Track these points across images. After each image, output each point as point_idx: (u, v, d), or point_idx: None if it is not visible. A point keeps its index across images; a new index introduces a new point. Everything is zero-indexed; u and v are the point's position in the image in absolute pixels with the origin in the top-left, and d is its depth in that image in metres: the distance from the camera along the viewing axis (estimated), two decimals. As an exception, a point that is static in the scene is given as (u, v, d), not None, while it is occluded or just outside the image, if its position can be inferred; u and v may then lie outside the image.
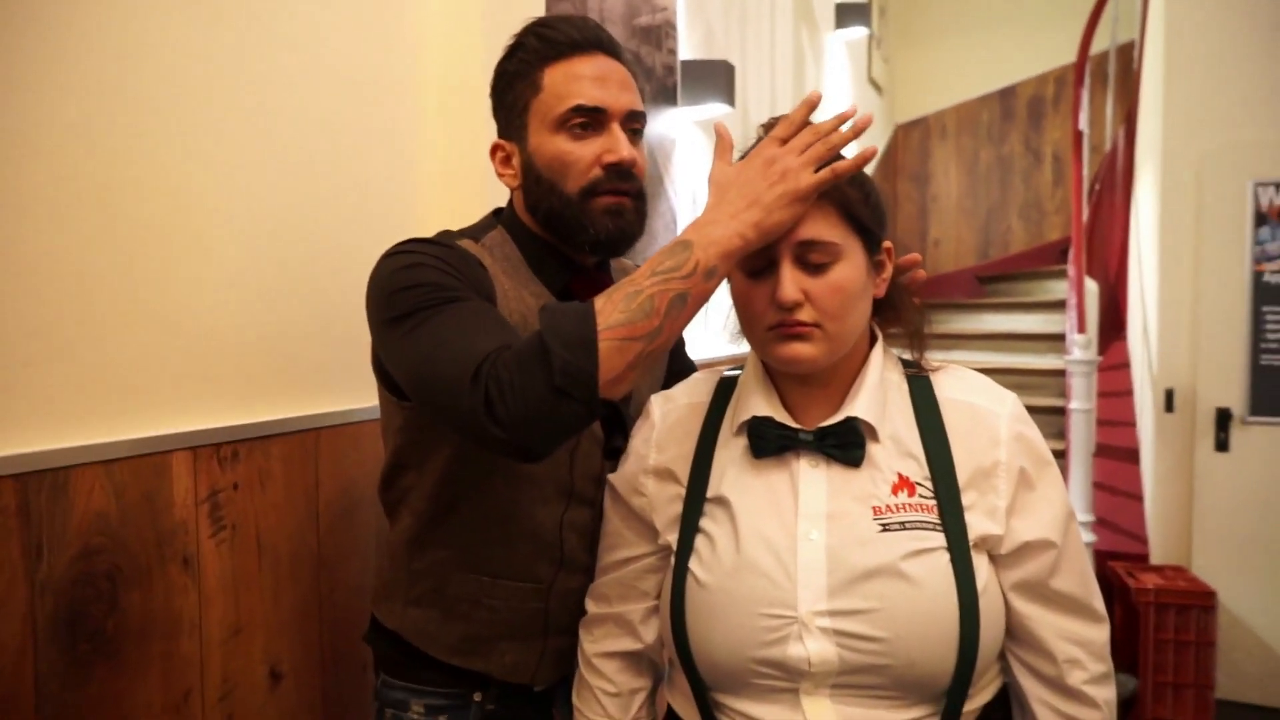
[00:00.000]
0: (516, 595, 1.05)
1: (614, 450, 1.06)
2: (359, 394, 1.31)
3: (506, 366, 0.80)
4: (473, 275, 0.97)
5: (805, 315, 0.85)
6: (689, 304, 0.84)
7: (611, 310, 0.82)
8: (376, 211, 1.41)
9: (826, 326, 0.85)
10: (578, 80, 0.99)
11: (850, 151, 0.87)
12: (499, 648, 1.05)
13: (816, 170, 0.83)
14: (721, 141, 0.91)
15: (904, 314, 0.96)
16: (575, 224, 1.00)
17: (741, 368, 0.99)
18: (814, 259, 0.85)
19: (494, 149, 1.07)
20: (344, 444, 1.31)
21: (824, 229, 0.85)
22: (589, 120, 0.99)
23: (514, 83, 1.03)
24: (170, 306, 1.06)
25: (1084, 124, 3.78)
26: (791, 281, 0.84)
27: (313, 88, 1.28)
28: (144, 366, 1.03)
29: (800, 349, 0.85)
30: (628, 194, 1.01)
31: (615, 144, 0.99)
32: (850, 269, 0.86)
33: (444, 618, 1.05)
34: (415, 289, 0.90)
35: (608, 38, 1.04)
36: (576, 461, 1.05)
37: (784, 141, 0.85)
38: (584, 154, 0.99)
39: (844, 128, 0.86)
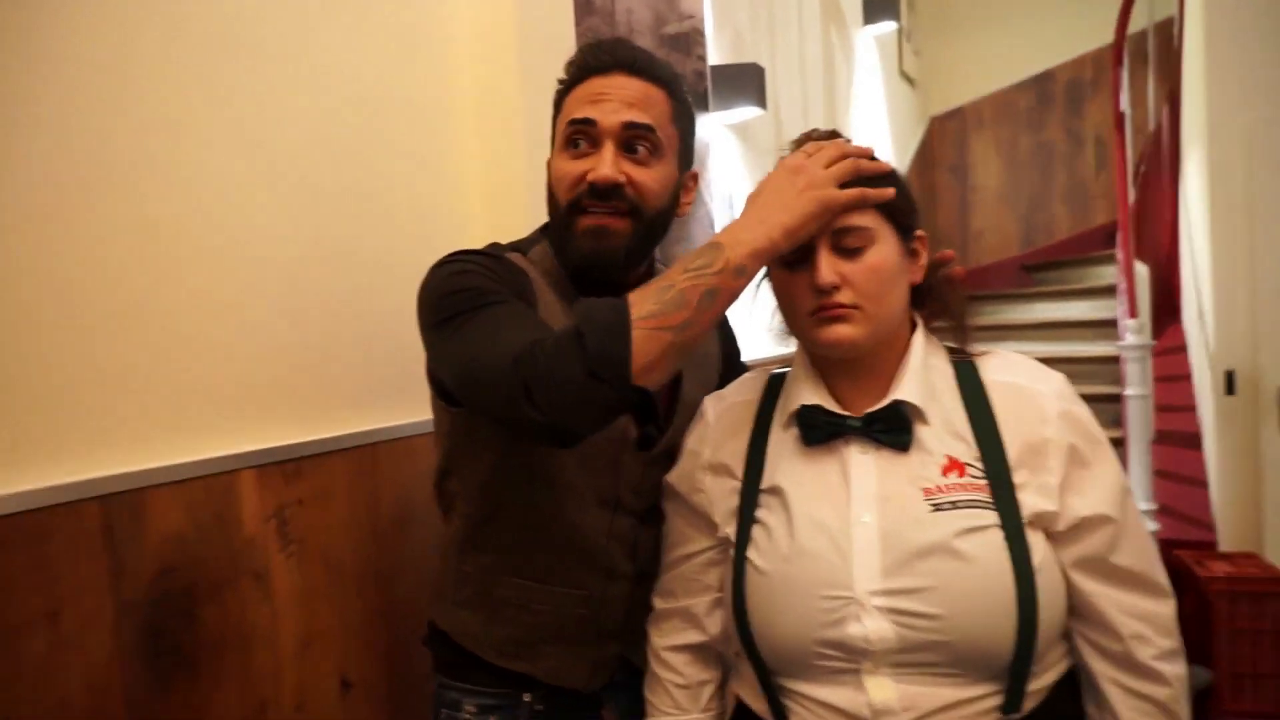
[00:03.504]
0: (561, 601, 1.07)
1: (650, 444, 1.08)
2: (412, 408, 1.34)
3: (544, 353, 0.83)
4: (517, 283, 1.00)
5: (844, 297, 0.88)
6: (719, 299, 0.87)
7: (644, 302, 0.85)
8: (421, 230, 1.44)
9: (865, 307, 0.88)
10: (579, 99, 1.02)
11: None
12: (544, 651, 1.08)
13: (841, 186, 0.88)
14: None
15: (948, 304, 0.99)
16: (564, 240, 1.03)
17: (789, 367, 1.01)
18: (848, 244, 0.89)
19: (547, 167, 1.11)
20: (400, 457, 1.34)
21: (856, 215, 0.89)
22: (584, 137, 1.01)
23: (554, 107, 1.08)
24: (231, 332, 1.10)
25: (1125, 105, 3.70)
26: (828, 265, 0.88)
27: (356, 112, 1.32)
28: (209, 389, 1.07)
29: (842, 330, 0.88)
30: (615, 214, 1.00)
31: (598, 162, 0.99)
32: (884, 252, 0.90)
33: (489, 620, 1.08)
34: (461, 293, 0.94)
35: (633, 58, 1.03)
36: (620, 472, 1.07)
37: (810, 155, 0.91)
38: (572, 170, 1.01)
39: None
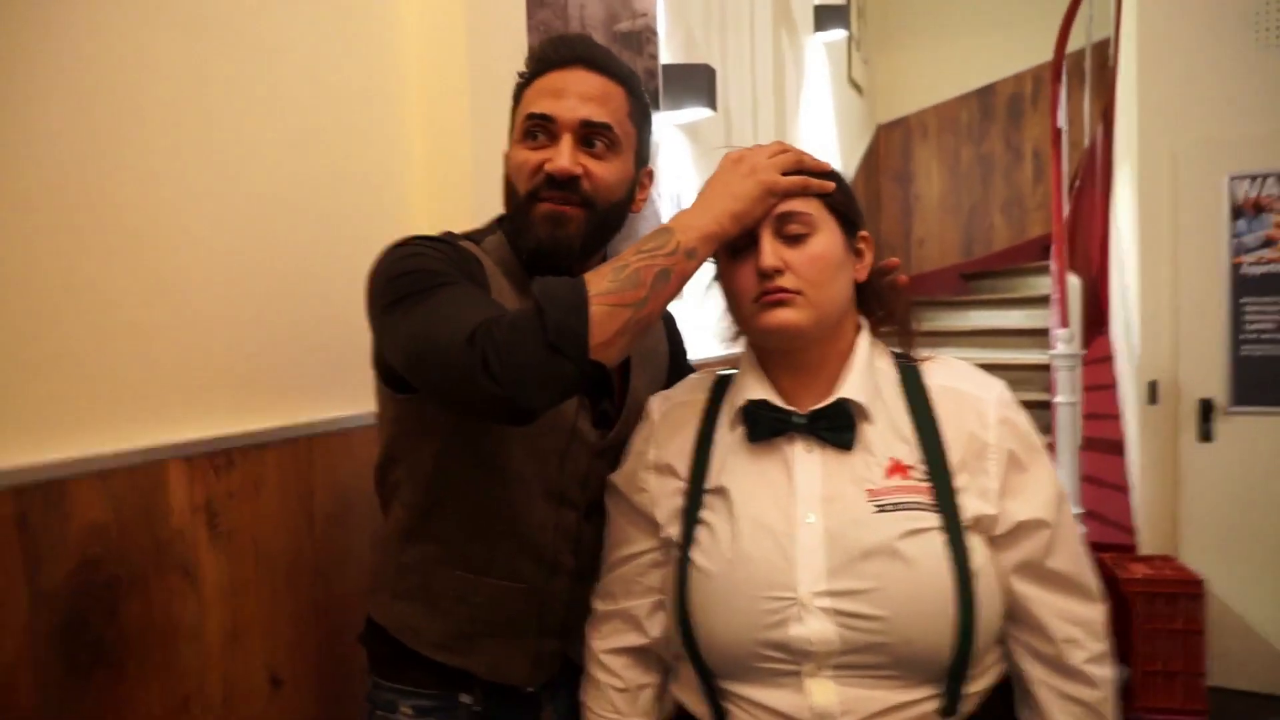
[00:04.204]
0: (501, 594, 1.06)
1: (607, 422, 1.09)
2: (351, 401, 1.32)
3: (501, 328, 0.84)
4: (470, 269, 1.00)
5: (787, 282, 0.90)
6: (672, 280, 0.89)
7: (600, 280, 0.87)
8: (363, 221, 1.42)
9: (808, 293, 0.90)
10: (539, 93, 1.03)
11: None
12: (483, 645, 1.07)
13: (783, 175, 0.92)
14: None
15: (893, 310, 1.01)
16: (521, 227, 1.04)
17: (736, 368, 1.02)
18: (791, 230, 0.91)
19: (504, 159, 1.11)
20: (337, 451, 1.32)
21: (799, 203, 0.92)
22: (542, 130, 1.02)
23: (513, 100, 1.09)
24: (161, 317, 1.07)
25: (1062, 121, 3.82)
26: (771, 250, 0.91)
27: (298, 99, 1.29)
28: (137, 378, 1.04)
29: (785, 314, 0.90)
30: (571, 203, 1.02)
31: (556, 154, 1.01)
32: (827, 241, 0.92)
33: (429, 612, 1.06)
34: (413, 274, 0.93)
35: (591, 53, 1.05)
36: (567, 464, 1.06)
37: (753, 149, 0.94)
38: (530, 160, 1.02)
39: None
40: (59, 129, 0.95)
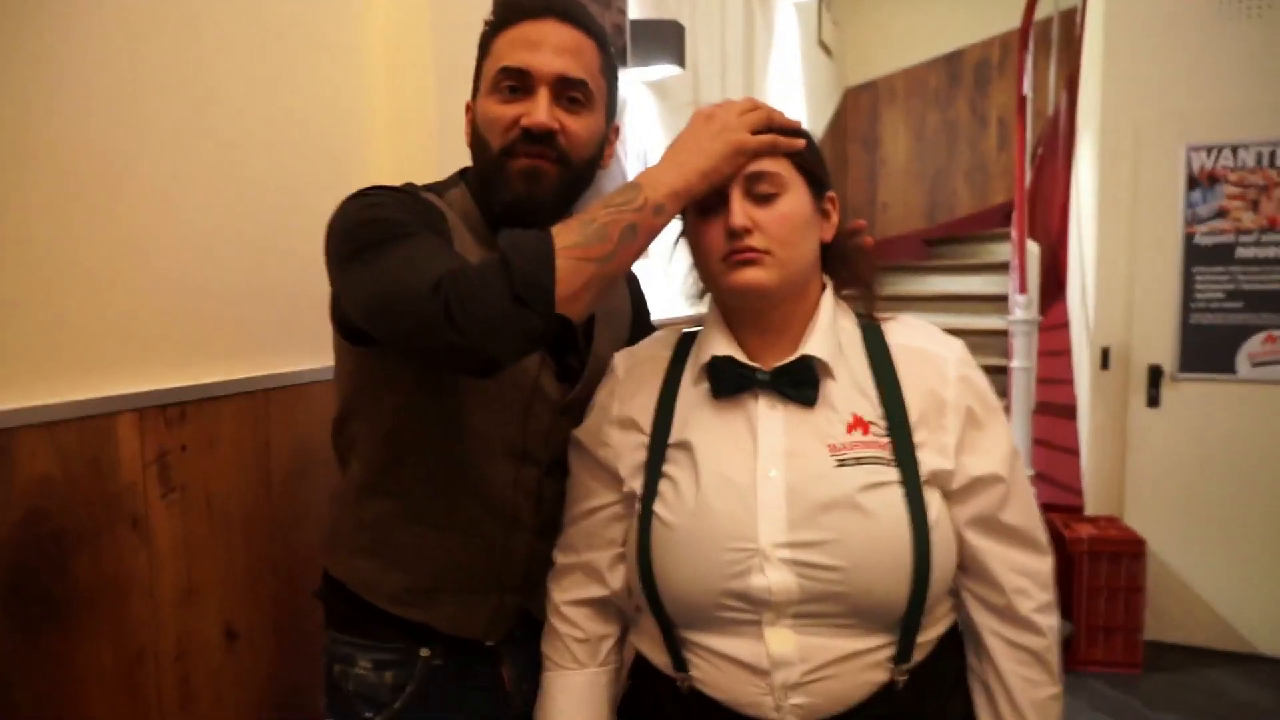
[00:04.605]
0: (461, 549, 1.06)
1: (571, 376, 1.09)
2: (309, 354, 1.30)
3: (467, 278, 0.83)
4: (432, 220, 0.98)
5: (756, 242, 0.90)
6: (639, 234, 0.88)
7: (567, 233, 0.86)
8: (323, 170, 1.38)
9: (776, 253, 0.90)
10: (512, 44, 1.01)
11: None
12: (441, 600, 1.07)
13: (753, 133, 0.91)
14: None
15: (858, 272, 1.02)
16: (495, 183, 1.02)
17: (701, 327, 1.02)
18: (761, 189, 0.91)
19: (466, 109, 1.09)
20: (295, 404, 1.30)
21: (769, 163, 0.93)
22: (517, 83, 1.00)
23: (480, 48, 1.06)
24: (114, 266, 1.04)
25: (1028, 89, 3.84)
26: (740, 209, 0.91)
27: (257, 46, 1.25)
28: (87, 327, 1.01)
29: (753, 274, 0.90)
30: (547, 159, 1.00)
31: (532, 108, 0.99)
32: (796, 201, 0.93)
33: (387, 567, 1.06)
34: (375, 224, 0.91)
35: (565, 6, 1.02)
36: (529, 421, 1.06)
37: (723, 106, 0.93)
38: (506, 114, 1.00)
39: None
40: (17, 92, 0.91)
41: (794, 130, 0.95)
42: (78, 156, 0.99)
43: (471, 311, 0.81)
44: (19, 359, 0.93)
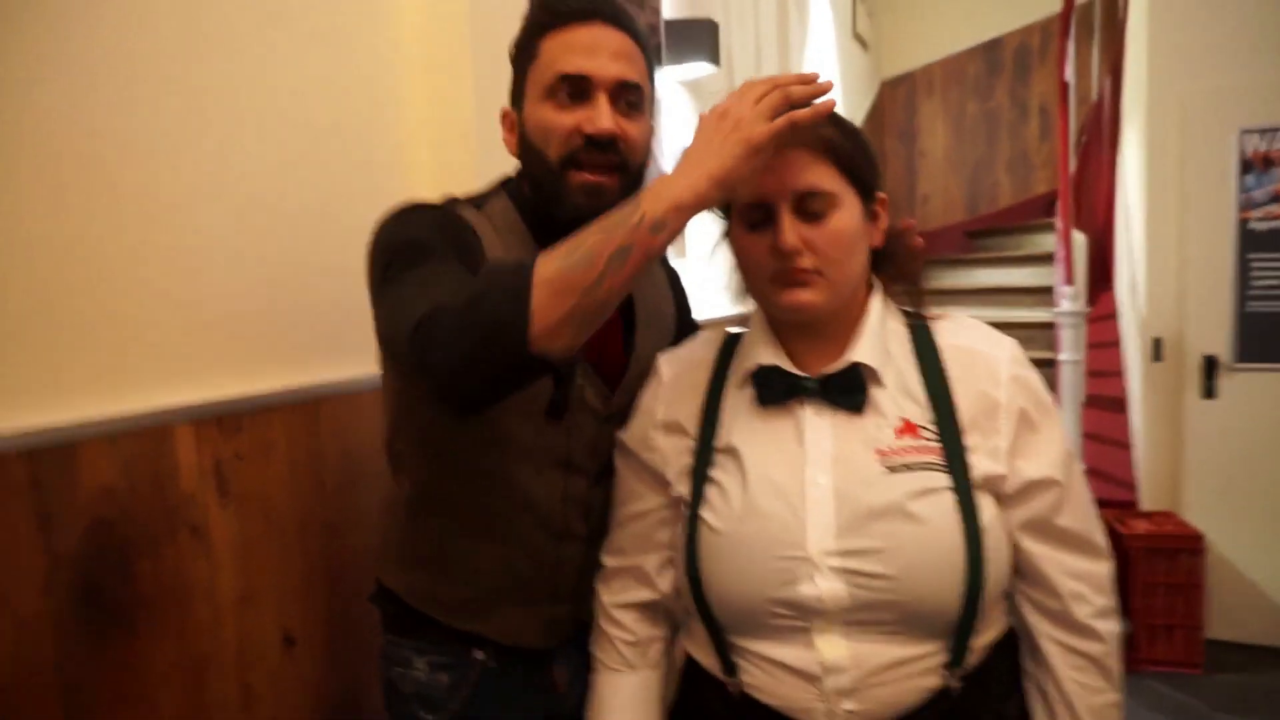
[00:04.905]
0: (514, 563, 1.07)
1: (558, 411, 1.05)
2: (357, 362, 1.32)
3: (442, 318, 0.80)
4: (460, 240, 0.97)
5: (806, 262, 0.87)
6: (632, 257, 0.80)
7: (550, 261, 0.80)
8: (367, 180, 1.40)
9: (827, 272, 0.88)
10: (567, 49, 0.98)
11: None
12: (497, 612, 1.08)
13: (774, 120, 0.82)
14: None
15: (903, 266, 0.99)
16: (554, 195, 1.00)
17: (745, 327, 1.01)
18: (812, 208, 0.87)
19: (502, 116, 1.08)
20: (345, 412, 1.32)
21: (820, 179, 0.87)
22: (574, 89, 0.98)
23: (520, 52, 1.04)
24: (169, 280, 1.06)
25: (1070, 75, 3.77)
26: (791, 229, 0.87)
27: (298, 57, 1.27)
28: (145, 340, 1.03)
29: (802, 295, 0.88)
30: (608, 170, 0.99)
31: (594, 114, 0.97)
32: (847, 216, 0.89)
33: (442, 581, 1.07)
34: (397, 250, 0.92)
35: (611, 6, 1.01)
36: (573, 432, 1.06)
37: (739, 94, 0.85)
38: (565, 122, 0.98)
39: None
40: (63, 102, 0.94)
41: (817, 94, 0.84)
42: (132, 180, 1.02)
43: (441, 354, 0.79)
44: (82, 372, 0.96)
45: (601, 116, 0.97)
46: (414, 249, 0.91)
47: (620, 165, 1.00)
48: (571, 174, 0.99)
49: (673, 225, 0.81)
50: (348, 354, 1.32)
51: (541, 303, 0.78)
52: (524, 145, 1.03)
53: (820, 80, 0.84)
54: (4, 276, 0.89)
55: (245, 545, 1.14)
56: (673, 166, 0.86)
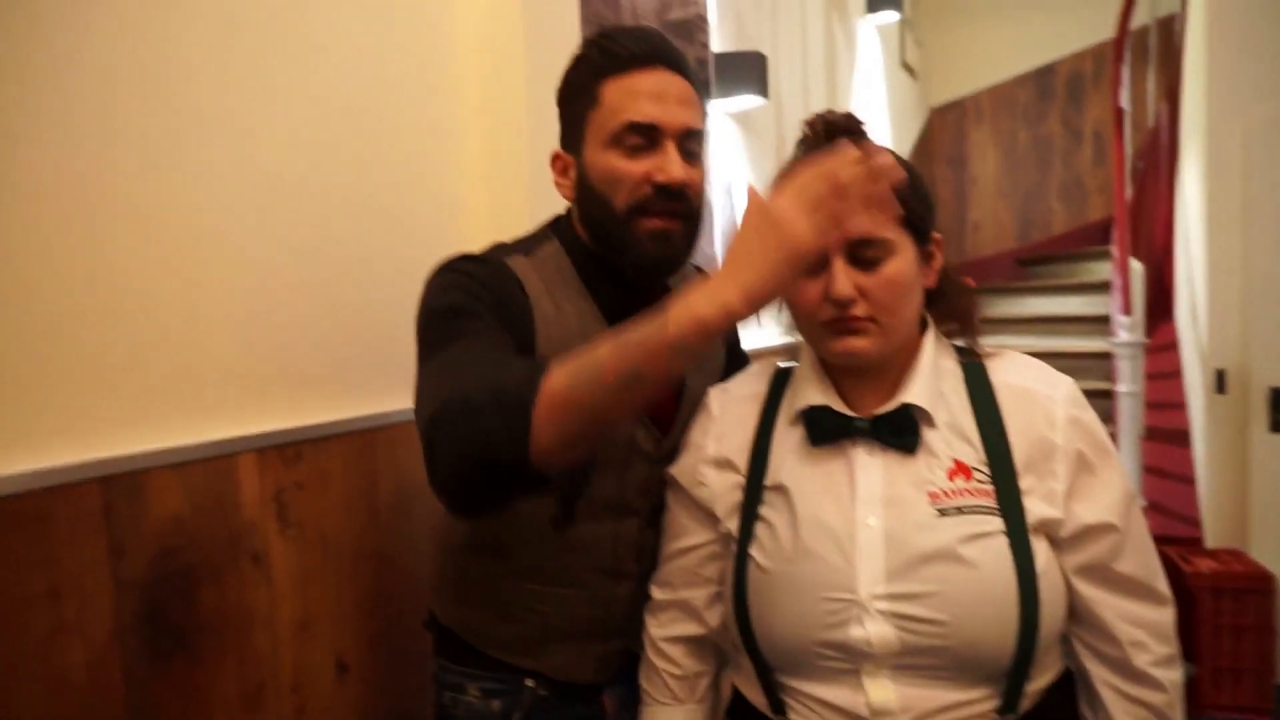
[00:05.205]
0: (568, 602, 1.08)
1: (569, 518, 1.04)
2: (410, 393, 1.34)
3: (449, 422, 0.77)
4: (504, 300, 0.97)
5: (860, 310, 0.86)
6: (644, 381, 0.74)
7: (562, 375, 0.76)
8: (423, 216, 1.44)
9: (881, 320, 0.87)
10: (634, 96, 0.98)
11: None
12: (550, 650, 1.09)
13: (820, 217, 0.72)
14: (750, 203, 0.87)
15: (955, 301, 0.98)
16: (621, 242, 0.99)
17: (796, 360, 1.01)
18: (867, 255, 0.86)
19: (554, 158, 1.07)
20: (399, 442, 1.34)
21: (876, 226, 0.85)
22: (643, 137, 0.97)
23: (576, 95, 1.03)
24: (233, 317, 1.10)
25: (1125, 101, 3.71)
26: (845, 278, 0.85)
27: (354, 95, 1.31)
28: (209, 373, 1.07)
29: (856, 343, 0.87)
30: (677, 216, 0.99)
31: (666, 163, 0.97)
32: (902, 263, 0.88)
33: (496, 619, 1.09)
34: (438, 318, 0.93)
35: (671, 51, 1.01)
36: (626, 475, 1.06)
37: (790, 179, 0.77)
38: (634, 171, 0.98)
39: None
40: (124, 146, 0.98)
41: (873, 181, 0.73)
42: (193, 218, 1.06)
43: (442, 460, 0.77)
44: (151, 402, 1.00)
45: (673, 166, 0.97)
46: (451, 318, 0.91)
47: (687, 212, 1.00)
48: (639, 221, 0.98)
49: (696, 346, 0.73)
50: (401, 385, 1.34)
51: (543, 419, 0.74)
52: (585, 191, 1.03)
53: (878, 159, 0.73)
54: (81, 311, 0.93)
55: (303, 573, 1.17)
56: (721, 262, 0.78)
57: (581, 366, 0.76)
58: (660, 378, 0.75)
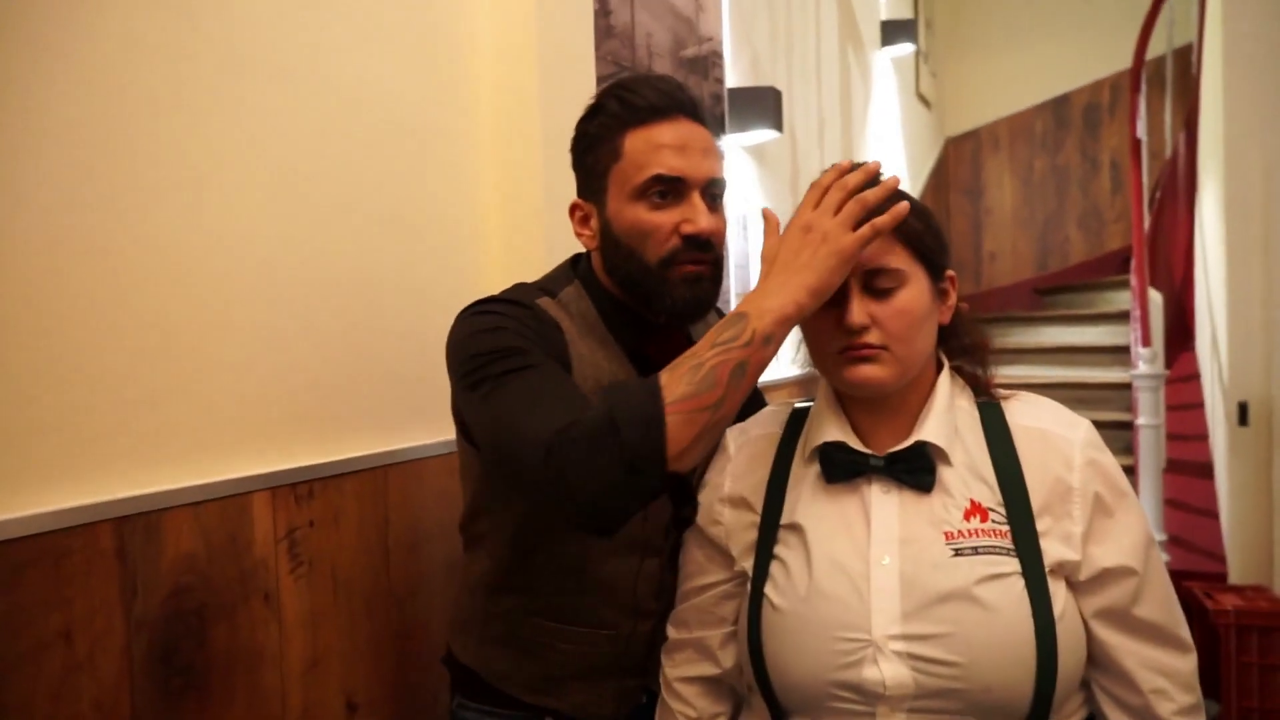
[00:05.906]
0: (589, 641, 1.08)
1: (686, 523, 1.06)
2: (423, 430, 1.35)
3: (577, 445, 0.82)
4: (549, 340, 0.98)
5: (873, 338, 0.88)
6: (749, 372, 0.85)
7: (676, 384, 0.84)
8: (437, 254, 1.45)
9: (894, 349, 0.88)
10: (658, 149, 0.99)
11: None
12: (570, 687, 1.09)
13: (855, 228, 0.85)
14: (769, 223, 0.95)
15: (967, 338, 0.99)
16: (654, 292, 1.01)
17: (813, 400, 1.01)
18: (880, 285, 0.89)
19: (573, 208, 1.08)
20: (411, 480, 1.35)
21: (890, 257, 0.89)
22: (668, 189, 0.99)
23: (595, 145, 1.04)
24: (245, 355, 1.11)
25: (1142, 131, 3.70)
26: (859, 306, 0.88)
27: (372, 136, 1.33)
28: (223, 412, 1.08)
29: (869, 371, 0.88)
30: (705, 262, 1.01)
31: (694, 214, 0.99)
32: (915, 294, 0.90)
33: (518, 658, 1.09)
34: (491, 354, 0.93)
35: (689, 100, 1.03)
36: (649, 516, 1.06)
37: (816, 205, 0.88)
38: (663, 223, 0.99)
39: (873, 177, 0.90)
40: (140, 185, 1.00)
41: (892, 195, 0.88)
42: (202, 252, 1.07)
43: (583, 481, 0.82)
44: (169, 443, 1.01)
45: (701, 217, 0.99)
46: (510, 354, 0.93)
47: (714, 259, 1.03)
48: (672, 270, 1.00)
49: (779, 337, 0.86)
50: (414, 423, 1.35)
51: (675, 425, 0.82)
52: (610, 242, 1.04)
53: (885, 175, 0.89)
54: (98, 352, 0.94)
55: (313, 612, 1.17)
56: (761, 276, 0.90)
57: (691, 371, 0.85)
58: (758, 368, 0.86)
